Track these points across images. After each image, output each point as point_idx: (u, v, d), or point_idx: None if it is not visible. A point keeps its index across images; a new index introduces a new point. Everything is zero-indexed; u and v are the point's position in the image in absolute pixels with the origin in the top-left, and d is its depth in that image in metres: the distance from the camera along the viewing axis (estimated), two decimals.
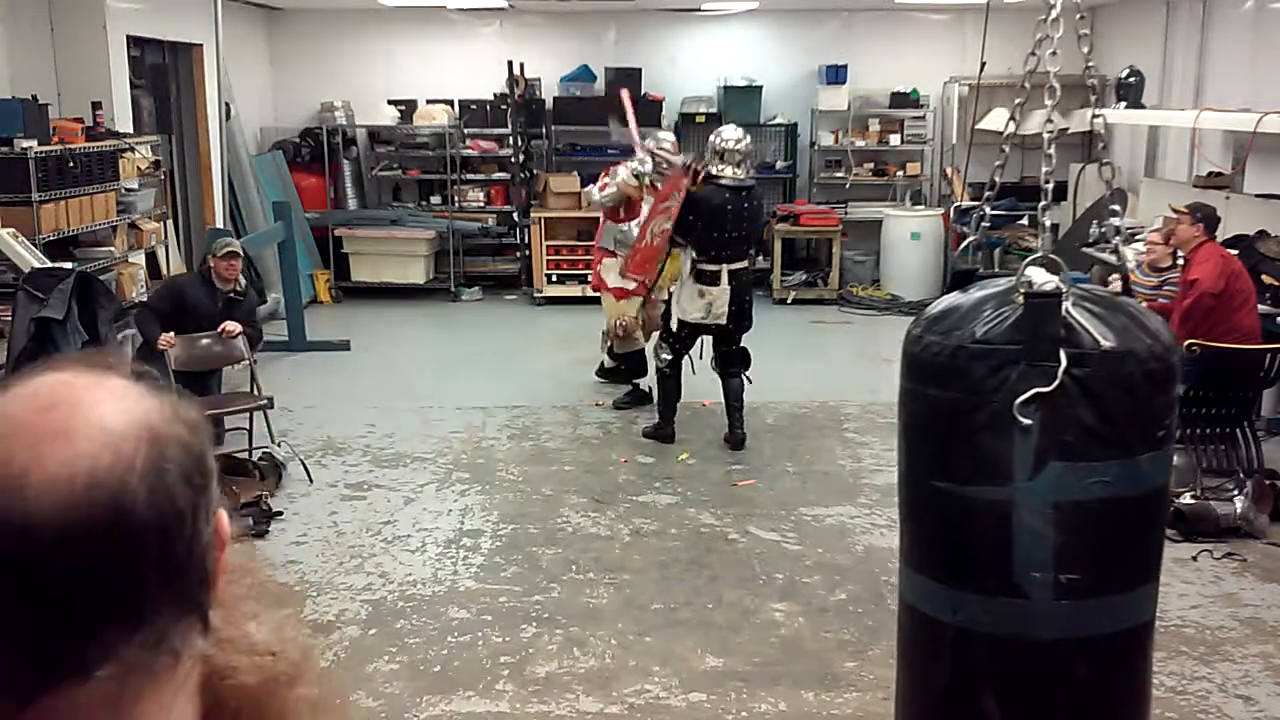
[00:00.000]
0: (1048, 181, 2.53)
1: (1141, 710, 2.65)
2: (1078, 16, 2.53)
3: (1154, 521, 2.56)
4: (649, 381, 7.36)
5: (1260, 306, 6.31)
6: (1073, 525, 2.36)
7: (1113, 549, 2.44)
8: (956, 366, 2.40)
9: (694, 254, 6.51)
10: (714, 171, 6.52)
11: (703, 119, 11.38)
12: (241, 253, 6.68)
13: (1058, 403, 2.30)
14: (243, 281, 6.66)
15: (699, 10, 11.46)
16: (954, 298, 2.54)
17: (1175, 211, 6.46)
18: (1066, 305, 2.34)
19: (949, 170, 11.45)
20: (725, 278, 6.49)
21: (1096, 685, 2.47)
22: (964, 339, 2.39)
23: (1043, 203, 2.54)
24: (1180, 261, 6.47)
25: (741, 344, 6.70)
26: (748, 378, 6.72)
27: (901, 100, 11.56)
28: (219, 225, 9.52)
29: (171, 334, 6.20)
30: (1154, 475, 2.45)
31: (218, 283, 6.49)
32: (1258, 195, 7.60)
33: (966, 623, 2.48)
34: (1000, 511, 2.37)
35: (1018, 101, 2.73)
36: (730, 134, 6.62)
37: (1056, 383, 2.28)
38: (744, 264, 6.63)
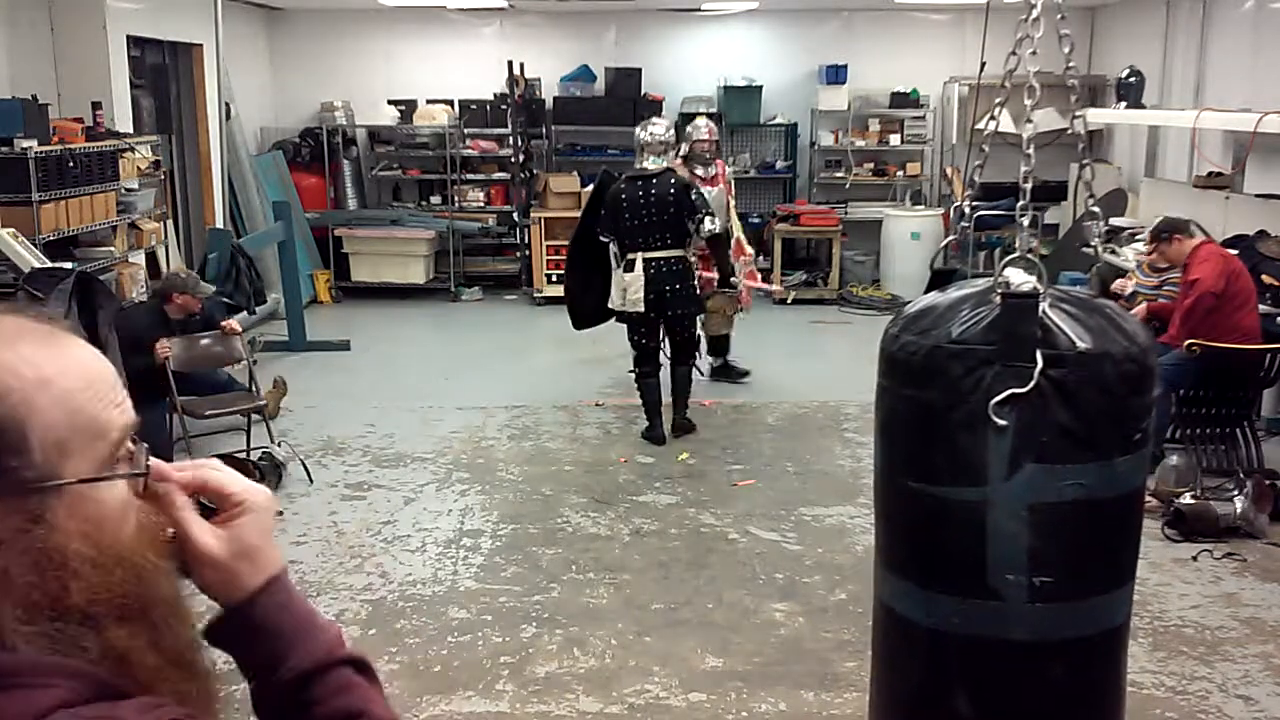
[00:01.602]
0: (1026, 181, 2.53)
1: (1116, 713, 2.65)
2: (1058, 16, 2.53)
3: (1130, 524, 2.54)
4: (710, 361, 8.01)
5: (1260, 306, 6.30)
6: (1048, 527, 2.35)
7: (1088, 552, 2.42)
8: (933, 366, 2.39)
9: (615, 245, 6.82)
10: (639, 165, 6.86)
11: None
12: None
13: (1033, 404, 2.29)
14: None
15: (699, 10, 11.47)
16: (932, 297, 2.53)
17: (1153, 241, 6.35)
18: (1043, 306, 2.34)
19: (949, 170, 11.45)
20: (640, 265, 6.65)
21: (1070, 687, 2.46)
22: (940, 339, 2.38)
23: (1021, 202, 2.54)
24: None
25: (691, 333, 6.91)
26: (699, 369, 7.10)
27: (901, 100, 11.56)
28: (219, 225, 9.54)
29: (165, 341, 6.13)
30: (1130, 478, 2.43)
31: (174, 314, 6.29)
32: (1258, 195, 7.59)
33: (940, 624, 2.46)
34: (975, 513, 2.36)
35: (997, 101, 2.74)
36: (653, 128, 6.92)
37: (1032, 384, 2.27)
38: (666, 253, 6.69)
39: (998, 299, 2.37)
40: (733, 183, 8.04)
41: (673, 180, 6.75)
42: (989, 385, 2.31)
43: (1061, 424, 2.30)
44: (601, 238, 6.85)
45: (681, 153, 7.63)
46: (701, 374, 7.14)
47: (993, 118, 2.68)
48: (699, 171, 7.64)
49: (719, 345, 8.09)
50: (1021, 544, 2.34)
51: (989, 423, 2.30)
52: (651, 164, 6.77)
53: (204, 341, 6.42)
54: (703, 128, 7.84)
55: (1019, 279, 2.40)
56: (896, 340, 2.49)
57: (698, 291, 6.89)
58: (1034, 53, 2.51)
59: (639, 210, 6.67)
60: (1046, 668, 2.44)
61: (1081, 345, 2.31)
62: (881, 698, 2.79)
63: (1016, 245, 2.51)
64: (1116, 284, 6.89)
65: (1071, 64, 2.59)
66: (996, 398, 2.29)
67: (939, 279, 2.86)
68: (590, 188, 7.66)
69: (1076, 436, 2.31)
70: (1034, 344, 2.29)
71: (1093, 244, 2.88)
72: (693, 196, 6.70)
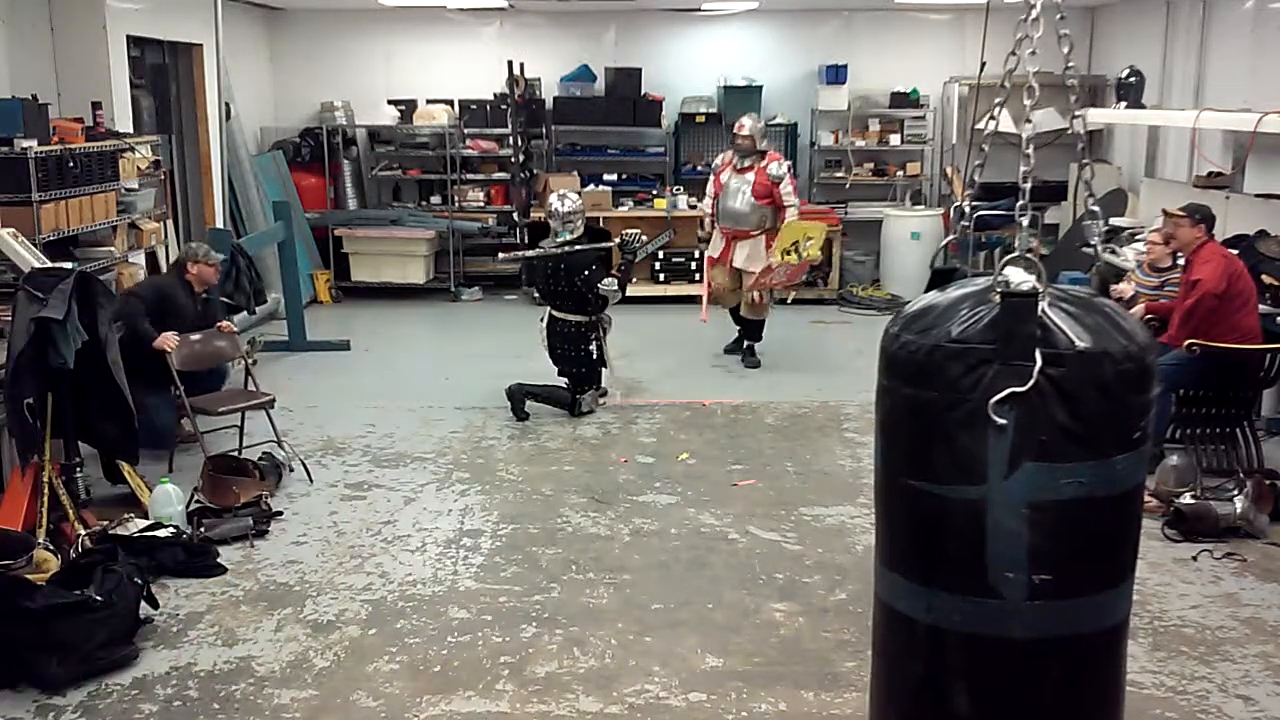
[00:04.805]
0: (1026, 180, 2.54)
1: (1114, 710, 2.65)
2: (1058, 16, 2.54)
3: (1129, 522, 2.55)
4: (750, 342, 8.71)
5: (1260, 306, 6.30)
6: (1047, 525, 2.35)
7: (1087, 549, 2.43)
8: (933, 365, 2.39)
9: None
10: (553, 235, 7.43)
11: (703, 119, 11.40)
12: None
13: (1033, 403, 2.30)
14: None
15: (699, 10, 11.47)
16: (932, 297, 2.54)
17: (1170, 215, 6.42)
18: (1043, 305, 2.34)
19: (949, 170, 11.45)
20: (546, 317, 7.45)
21: (1069, 685, 2.47)
22: (940, 338, 2.39)
23: (1020, 201, 2.55)
24: (1180, 261, 6.47)
25: (580, 377, 7.41)
26: (599, 400, 7.53)
27: (901, 100, 11.57)
28: (219, 225, 9.53)
29: (172, 334, 6.21)
30: (1129, 476, 2.44)
31: (196, 285, 6.64)
32: (1258, 195, 7.60)
33: (940, 621, 2.47)
34: (975, 511, 2.37)
35: (997, 101, 2.74)
36: (560, 205, 7.44)
37: (1031, 382, 2.28)
38: (564, 315, 7.35)
39: (997, 298, 2.37)
40: (783, 176, 8.40)
41: (566, 255, 7.25)
42: (989, 384, 2.32)
43: (1061, 423, 2.31)
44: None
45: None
46: (600, 399, 7.54)
47: (992, 118, 2.68)
48: (736, 162, 8.43)
49: (751, 329, 8.71)
50: (1021, 542, 2.35)
51: (989, 421, 2.31)
52: (560, 235, 7.34)
53: (202, 339, 6.44)
54: (743, 125, 8.43)
55: (1018, 278, 2.40)
56: (897, 339, 2.50)
57: (593, 356, 7.36)
58: (1033, 53, 2.52)
59: (546, 275, 7.38)
60: (1045, 665, 2.45)
61: (1081, 344, 2.32)
62: (882, 695, 2.80)
63: (1016, 245, 2.52)
64: (1116, 289, 6.90)
65: (1071, 64, 2.59)
66: (996, 396, 2.30)
67: (939, 278, 2.88)
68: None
69: (1076, 435, 2.32)
70: (1033, 343, 2.30)
71: (1093, 243, 2.88)
72: (580, 276, 7.17)
